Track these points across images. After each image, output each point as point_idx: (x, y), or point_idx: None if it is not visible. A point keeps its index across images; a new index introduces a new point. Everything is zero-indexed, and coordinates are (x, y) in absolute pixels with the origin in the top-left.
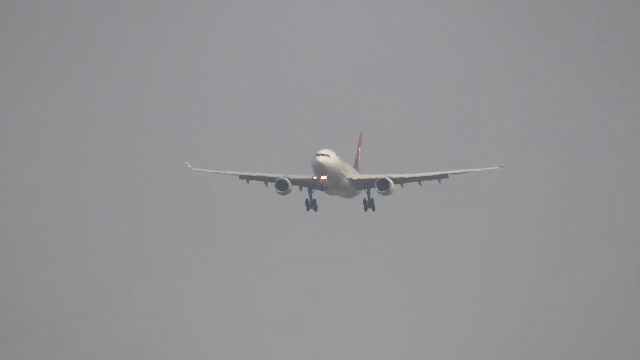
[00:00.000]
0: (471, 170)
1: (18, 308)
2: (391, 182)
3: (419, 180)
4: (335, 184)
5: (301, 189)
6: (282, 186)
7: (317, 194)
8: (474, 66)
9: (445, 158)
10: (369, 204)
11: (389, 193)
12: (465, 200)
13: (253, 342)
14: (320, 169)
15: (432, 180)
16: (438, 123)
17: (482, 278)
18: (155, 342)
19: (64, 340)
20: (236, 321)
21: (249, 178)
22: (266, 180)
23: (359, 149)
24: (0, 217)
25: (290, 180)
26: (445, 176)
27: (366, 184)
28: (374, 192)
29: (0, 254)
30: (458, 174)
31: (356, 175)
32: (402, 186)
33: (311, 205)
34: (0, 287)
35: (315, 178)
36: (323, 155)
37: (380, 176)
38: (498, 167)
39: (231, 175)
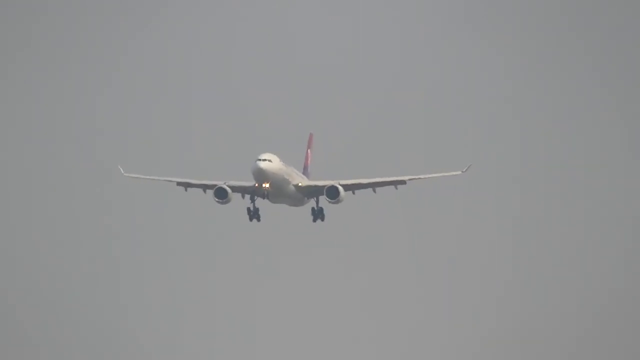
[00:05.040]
0: (430, 176)
1: None
2: (341, 189)
3: (373, 186)
4: (279, 192)
5: (243, 197)
6: (221, 194)
7: (261, 202)
8: (434, 66)
9: (402, 162)
10: (318, 213)
11: (339, 201)
12: (424, 208)
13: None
14: (261, 175)
15: (388, 187)
16: (396, 125)
17: (440, 292)
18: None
19: None
20: (171, 336)
21: (186, 185)
22: (205, 187)
23: (308, 151)
24: None
25: (230, 187)
26: (402, 182)
27: (314, 191)
28: (323, 200)
29: None
30: (416, 179)
31: (303, 182)
32: (354, 193)
33: (254, 214)
34: None
35: (256, 185)
36: (264, 160)
37: (330, 183)
38: (460, 172)
39: (168, 181)
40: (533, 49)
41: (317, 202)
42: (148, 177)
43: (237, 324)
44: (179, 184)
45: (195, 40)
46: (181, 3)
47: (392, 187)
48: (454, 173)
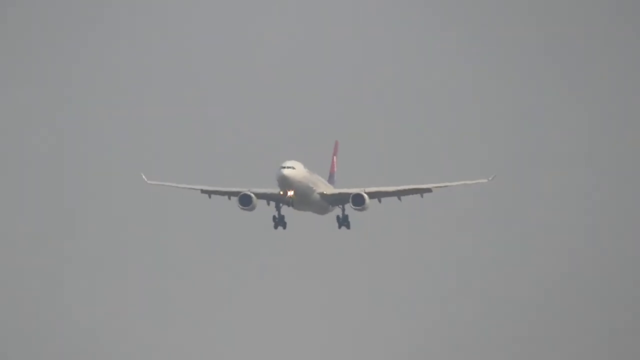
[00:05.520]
0: (456, 184)
1: None
2: (366, 197)
3: (399, 194)
4: (304, 199)
5: (268, 204)
6: (246, 201)
7: (286, 210)
8: (461, 76)
9: (428, 170)
10: (343, 221)
11: (364, 209)
12: (450, 216)
13: None
14: (285, 182)
15: (413, 195)
16: (421, 132)
17: (463, 299)
18: None
19: None
20: (197, 342)
21: (210, 192)
22: (229, 194)
23: (334, 158)
24: None
25: (254, 194)
26: (428, 190)
27: (339, 199)
28: (349, 207)
29: None
30: (442, 187)
31: (328, 189)
32: (380, 201)
33: (279, 222)
34: None
35: (280, 192)
36: (288, 167)
37: (355, 190)
38: (486, 180)
39: (191, 189)
40: (562, 51)
41: (343, 209)
42: (171, 184)
43: (263, 330)
44: (203, 191)
45: (219, 45)
46: (205, 6)
47: (418, 194)
48: (480, 181)
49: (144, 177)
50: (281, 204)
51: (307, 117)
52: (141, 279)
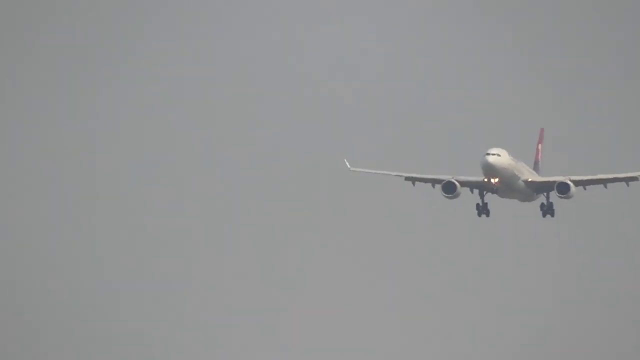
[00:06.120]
0: None
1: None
2: (571, 185)
3: (605, 182)
4: (509, 187)
5: (472, 192)
6: (450, 188)
7: (490, 197)
8: None
9: (634, 158)
10: (548, 209)
11: (569, 197)
12: None
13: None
14: (490, 170)
15: (619, 183)
16: (628, 118)
17: None
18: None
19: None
20: (403, 329)
21: (414, 179)
22: (433, 182)
23: (539, 146)
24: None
25: (458, 182)
26: (635, 178)
27: (544, 187)
28: (554, 195)
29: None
30: None
31: (533, 177)
32: (585, 189)
33: (482, 209)
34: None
35: (485, 180)
36: (493, 154)
37: (560, 178)
38: None
39: (394, 176)
40: None
41: (547, 197)
42: (375, 171)
43: (467, 318)
44: (406, 178)
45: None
46: None
47: (624, 182)
48: None
49: (347, 163)
50: (485, 192)
51: (511, 103)
52: (344, 264)
